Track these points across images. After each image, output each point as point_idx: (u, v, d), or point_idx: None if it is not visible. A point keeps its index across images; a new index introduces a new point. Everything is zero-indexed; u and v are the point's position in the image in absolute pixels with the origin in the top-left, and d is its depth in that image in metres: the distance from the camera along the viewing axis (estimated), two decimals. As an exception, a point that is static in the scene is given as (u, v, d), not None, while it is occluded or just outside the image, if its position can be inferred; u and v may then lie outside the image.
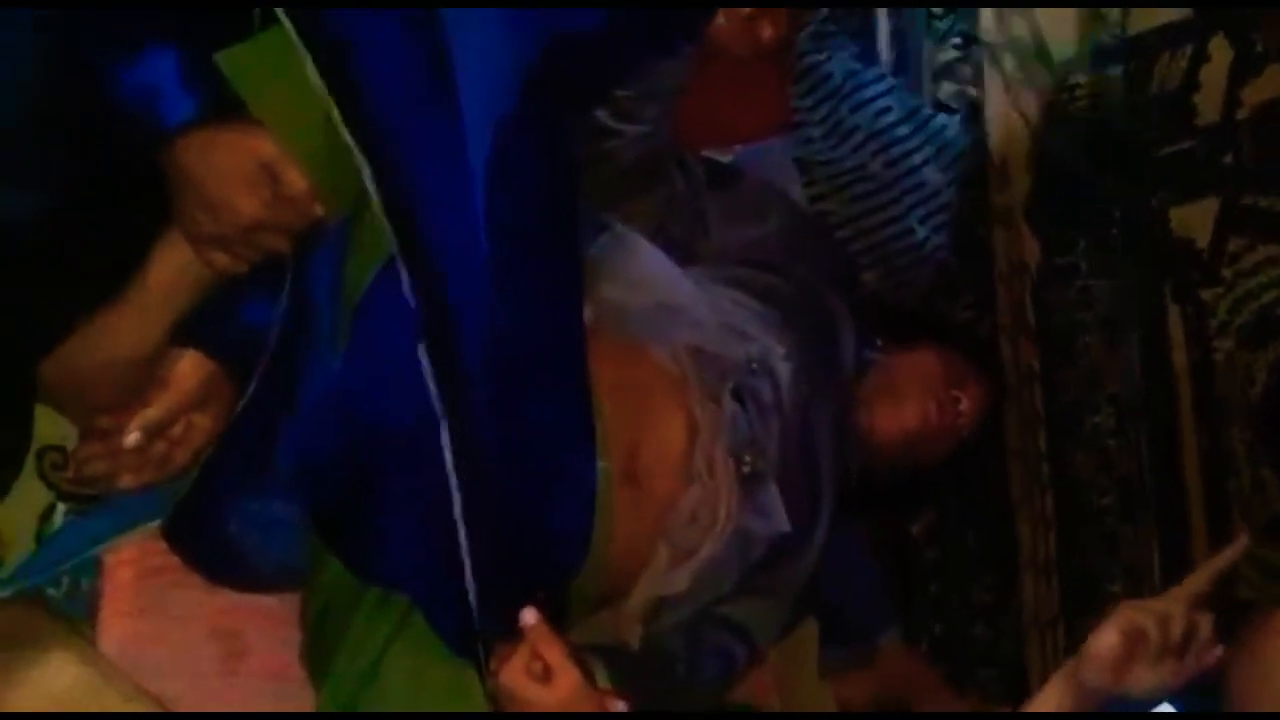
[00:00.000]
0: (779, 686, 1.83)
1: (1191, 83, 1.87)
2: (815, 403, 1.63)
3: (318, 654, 1.39)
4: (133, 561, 1.37)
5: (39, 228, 1.19)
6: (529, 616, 1.25)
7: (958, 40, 2.11)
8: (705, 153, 1.79)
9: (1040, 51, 2.04)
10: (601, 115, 1.59)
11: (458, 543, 1.27)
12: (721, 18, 1.38)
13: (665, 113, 1.63)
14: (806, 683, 1.86)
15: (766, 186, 1.81)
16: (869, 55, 2.11)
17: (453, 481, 1.26)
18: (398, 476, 1.32)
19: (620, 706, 1.28)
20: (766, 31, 1.41)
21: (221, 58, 1.20)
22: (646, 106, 1.60)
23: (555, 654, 1.24)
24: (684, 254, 1.63)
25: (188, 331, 1.29)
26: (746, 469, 1.52)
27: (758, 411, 1.54)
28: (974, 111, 2.08)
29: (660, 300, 1.55)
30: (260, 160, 1.20)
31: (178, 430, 1.28)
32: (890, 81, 2.06)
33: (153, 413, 1.26)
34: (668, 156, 1.68)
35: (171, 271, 1.28)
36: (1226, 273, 1.80)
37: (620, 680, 1.36)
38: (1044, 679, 1.88)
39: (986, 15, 2.08)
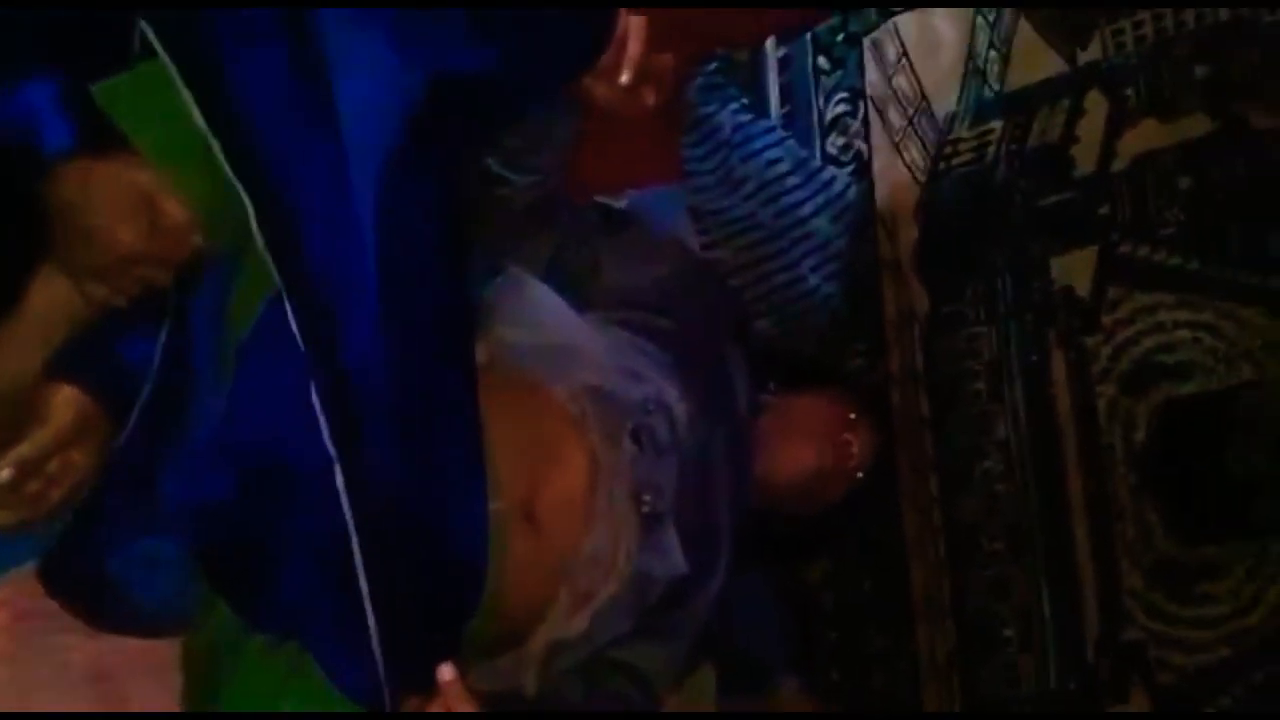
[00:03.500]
0: (676, 734, 1.81)
1: (1069, 136, 1.92)
2: (711, 444, 1.64)
3: (200, 701, 1.35)
4: (6, 604, 1.33)
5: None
6: (446, 672, 1.24)
7: (845, 94, 2.16)
8: (598, 198, 1.81)
9: (923, 106, 2.08)
10: (492, 163, 1.60)
11: (356, 588, 1.25)
12: (602, 86, 1.41)
13: (556, 162, 1.65)
14: (703, 731, 1.85)
15: (659, 232, 1.83)
16: (759, 108, 2.15)
17: (349, 523, 1.24)
18: (290, 519, 1.29)
19: None
20: (649, 99, 1.44)
21: (99, 89, 1.19)
22: (536, 156, 1.62)
23: (468, 714, 1.23)
24: (576, 297, 1.64)
25: (64, 366, 1.27)
26: (646, 509, 1.52)
27: (655, 452, 1.55)
28: (862, 165, 2.12)
29: (555, 341, 1.55)
30: (139, 190, 1.19)
31: (53, 467, 1.25)
32: (780, 134, 2.10)
33: (26, 449, 1.22)
34: (559, 202, 1.69)
35: (48, 304, 1.25)
36: (1107, 320, 1.84)
37: (517, 729, 1.34)
38: (941, 726, 1.91)
39: (871, 70, 2.13)
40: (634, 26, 1.38)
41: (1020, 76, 2.00)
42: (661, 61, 1.44)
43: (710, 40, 1.97)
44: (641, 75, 1.39)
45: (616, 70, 1.38)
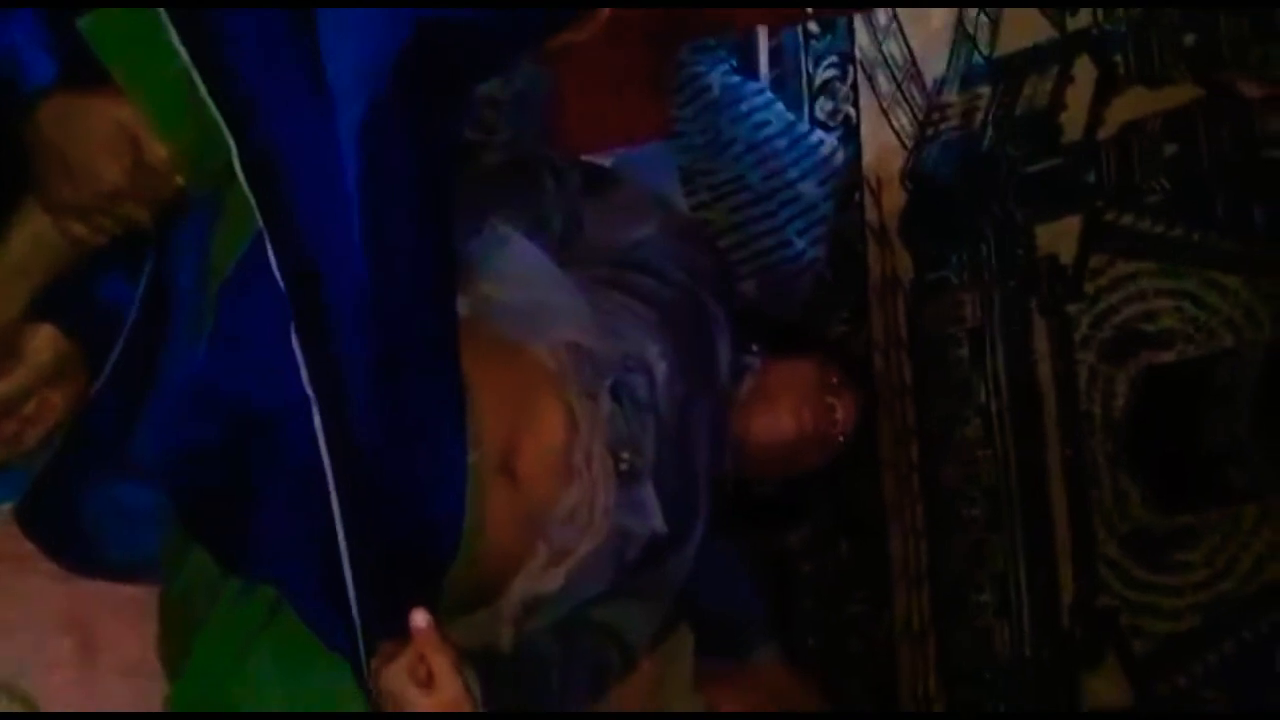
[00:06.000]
0: (653, 695, 1.81)
1: (1057, 103, 1.92)
2: (692, 404, 1.63)
3: (174, 647, 1.34)
4: (-18, 546, 1.32)
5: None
6: (420, 619, 1.23)
7: (834, 59, 2.15)
8: (584, 156, 1.80)
9: (912, 72, 2.08)
10: (464, 130, 1.59)
11: (333, 534, 1.24)
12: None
13: (525, 122, 1.64)
14: (681, 693, 1.85)
15: (646, 191, 1.82)
16: (749, 70, 2.14)
17: (327, 468, 1.24)
18: (267, 464, 1.29)
19: None
20: None
21: (85, 23, 1.18)
22: (503, 115, 1.61)
23: (441, 661, 1.23)
24: (559, 254, 1.63)
25: (43, 306, 1.26)
26: (624, 466, 1.51)
27: (634, 409, 1.54)
28: (850, 129, 2.12)
29: (537, 297, 1.54)
30: (121, 126, 1.17)
31: (30, 408, 1.24)
32: (769, 96, 2.10)
33: (3, 387, 1.22)
34: (537, 162, 1.68)
35: (28, 243, 1.24)
36: (1089, 287, 1.84)
37: (493, 687, 1.34)
38: (914, 691, 1.92)
39: (862, 34, 2.12)
40: None
41: (1010, 42, 2.00)
42: None
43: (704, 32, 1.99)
44: None
45: None
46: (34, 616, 1.34)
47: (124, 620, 1.38)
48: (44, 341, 1.25)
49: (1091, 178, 1.85)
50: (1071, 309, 1.85)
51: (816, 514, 2.03)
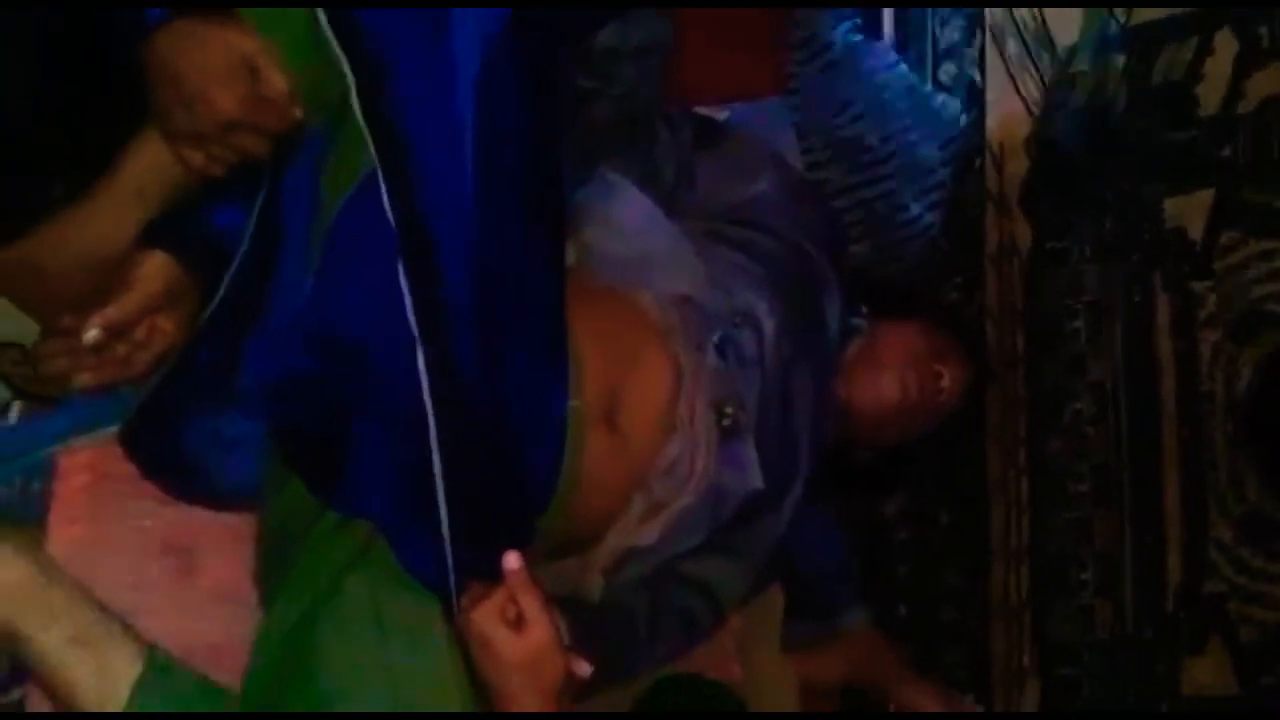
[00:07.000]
0: (740, 655, 1.81)
1: (1195, 74, 1.86)
2: (797, 363, 1.61)
3: (270, 575, 1.36)
4: (88, 467, 1.34)
5: (13, 115, 1.17)
6: (512, 560, 1.23)
7: (961, 21, 2.10)
8: (698, 109, 1.77)
9: (1043, 37, 2.02)
10: (582, 78, 1.58)
11: (429, 473, 1.25)
12: None
13: (643, 74, 1.62)
14: (768, 654, 1.84)
15: (760, 147, 1.79)
16: (872, 30, 2.10)
17: (429, 406, 1.24)
18: (369, 400, 1.29)
19: (585, 667, 1.26)
20: None
21: (209, -48, 1.18)
22: (621, 67, 1.59)
23: (532, 603, 1.23)
24: (670, 206, 1.61)
25: (158, 233, 1.27)
26: (726, 422, 1.50)
27: (739, 364, 1.53)
28: (974, 94, 2.07)
29: (645, 248, 1.53)
30: (241, 56, 1.18)
31: (140, 332, 1.26)
32: (891, 57, 2.05)
33: (115, 311, 1.23)
34: (652, 113, 1.66)
35: (146, 169, 1.25)
36: (1217, 265, 1.79)
37: (580, 635, 1.34)
38: (1008, 665, 1.89)
39: (993, -2, 2.07)
40: None
41: (1147, 11, 1.94)
42: None
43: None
44: None
45: None
46: (137, 536, 1.37)
47: (222, 546, 1.40)
48: (156, 268, 1.26)
49: (1227, 152, 1.79)
50: (1197, 286, 1.79)
51: (916, 483, 2.00)
